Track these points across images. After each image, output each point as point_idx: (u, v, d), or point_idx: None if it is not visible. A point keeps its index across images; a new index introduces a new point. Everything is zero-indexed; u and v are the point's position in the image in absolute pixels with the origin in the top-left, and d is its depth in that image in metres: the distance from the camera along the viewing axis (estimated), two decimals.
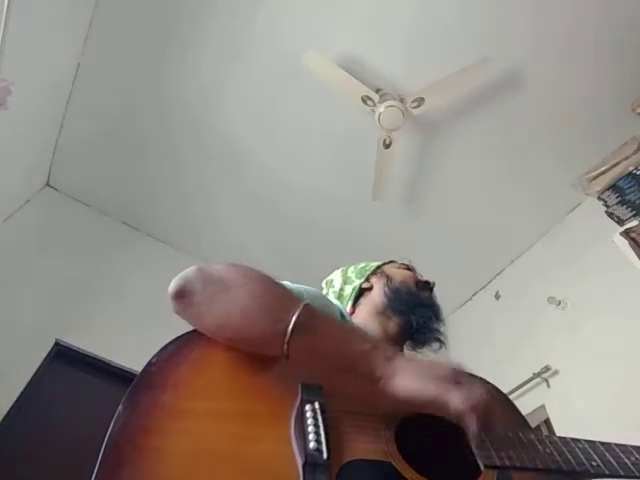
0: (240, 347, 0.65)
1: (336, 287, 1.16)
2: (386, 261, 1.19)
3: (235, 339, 0.66)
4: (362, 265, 1.18)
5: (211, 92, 2.65)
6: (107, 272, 2.90)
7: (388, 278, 1.09)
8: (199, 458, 0.52)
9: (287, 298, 0.68)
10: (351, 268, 1.19)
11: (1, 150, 2.32)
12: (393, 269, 1.14)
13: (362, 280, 1.12)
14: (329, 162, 2.92)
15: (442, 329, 1.02)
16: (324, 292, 1.20)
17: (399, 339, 1.01)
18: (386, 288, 1.06)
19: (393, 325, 1.01)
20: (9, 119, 2.10)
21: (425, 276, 1.15)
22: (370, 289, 1.10)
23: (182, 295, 0.67)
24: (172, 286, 0.68)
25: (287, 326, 0.62)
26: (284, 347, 0.61)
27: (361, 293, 1.11)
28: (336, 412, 0.60)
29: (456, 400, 0.56)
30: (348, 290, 1.13)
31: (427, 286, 1.09)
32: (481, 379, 0.79)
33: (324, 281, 1.24)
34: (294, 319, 0.62)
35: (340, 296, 1.13)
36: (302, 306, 0.64)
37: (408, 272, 1.13)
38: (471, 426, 0.56)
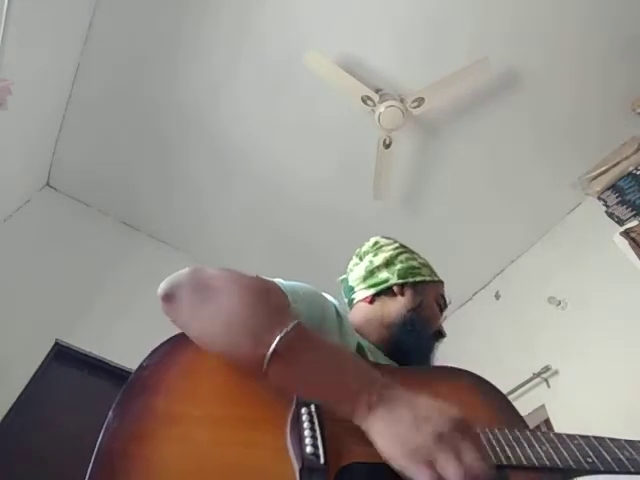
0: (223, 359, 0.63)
1: (376, 261, 1.05)
2: (436, 279, 1.07)
3: (216, 352, 0.63)
4: (414, 264, 1.05)
5: (211, 93, 2.64)
6: (107, 272, 2.90)
7: (420, 305, 0.99)
8: (193, 465, 0.51)
9: (275, 314, 0.63)
10: (402, 257, 1.06)
11: (1, 150, 2.32)
12: (431, 297, 1.03)
13: (399, 282, 1.01)
14: (329, 162, 2.92)
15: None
16: (366, 249, 1.10)
17: (386, 351, 0.94)
18: (409, 314, 0.97)
19: (387, 340, 0.95)
20: (9, 119, 2.10)
21: None
22: (399, 295, 1.00)
23: (169, 298, 0.65)
24: (161, 287, 0.66)
25: (267, 350, 0.57)
26: (262, 372, 0.57)
27: (389, 290, 1.01)
28: (332, 414, 0.59)
29: None
30: (382, 276, 1.02)
31: (440, 337, 1.02)
32: (479, 376, 0.78)
33: (374, 239, 1.12)
34: (274, 344, 0.57)
35: (372, 272, 1.04)
36: (289, 328, 0.59)
37: (438, 314, 1.04)
38: None
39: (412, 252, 1.10)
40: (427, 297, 1.02)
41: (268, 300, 0.66)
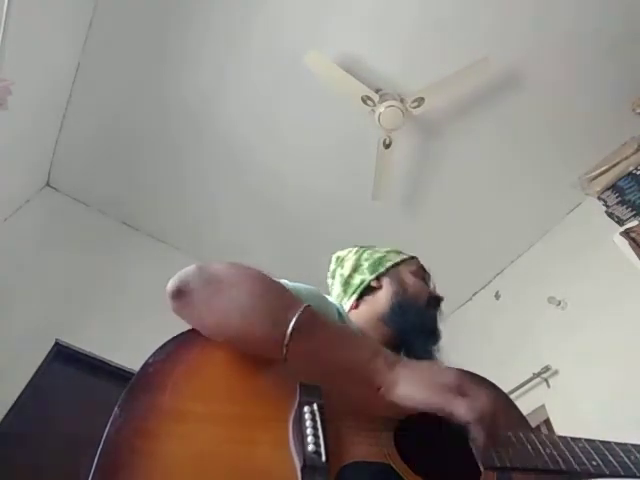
0: (239, 348, 0.65)
1: (345, 271, 1.08)
2: (405, 257, 1.09)
3: (234, 340, 0.65)
4: (379, 255, 1.08)
5: (211, 92, 2.64)
6: (107, 272, 2.90)
7: (400, 286, 1.01)
8: (197, 462, 0.51)
9: (287, 299, 0.67)
10: (365, 254, 1.09)
11: (1, 150, 2.31)
12: (409, 275, 1.04)
13: (373, 277, 1.04)
14: (329, 162, 2.92)
15: (436, 353, 0.97)
16: (333, 267, 1.14)
17: (393, 347, 0.93)
18: (394, 299, 0.99)
19: (390, 335, 0.96)
20: (9, 119, 2.10)
21: None
22: (378, 289, 1.03)
23: (180, 294, 0.66)
24: (170, 285, 0.67)
25: (286, 329, 0.61)
26: (282, 350, 0.60)
27: (368, 289, 1.04)
28: (335, 413, 0.59)
29: (462, 411, 0.55)
30: (356, 281, 1.05)
31: (437, 303, 1.03)
32: (482, 378, 0.78)
33: (335, 255, 1.16)
34: (293, 322, 0.61)
35: (347, 283, 1.06)
36: (302, 308, 0.63)
37: (421, 284, 1.04)
38: (478, 437, 0.55)
39: (372, 247, 1.13)
40: (404, 276, 1.04)
41: (276, 288, 0.69)
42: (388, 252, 1.10)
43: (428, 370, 0.62)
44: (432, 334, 0.98)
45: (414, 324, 0.95)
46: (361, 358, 0.62)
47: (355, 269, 1.07)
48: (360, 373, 0.61)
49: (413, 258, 1.11)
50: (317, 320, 0.65)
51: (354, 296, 1.04)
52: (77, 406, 2.32)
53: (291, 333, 0.60)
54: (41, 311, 2.51)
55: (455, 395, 0.57)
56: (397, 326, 0.96)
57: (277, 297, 0.67)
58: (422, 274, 1.07)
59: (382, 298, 1.01)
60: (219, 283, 0.66)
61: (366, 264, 1.07)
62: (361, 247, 1.13)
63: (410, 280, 1.04)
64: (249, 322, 0.63)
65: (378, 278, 1.04)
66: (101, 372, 2.50)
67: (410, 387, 0.59)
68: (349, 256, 1.11)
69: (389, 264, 1.06)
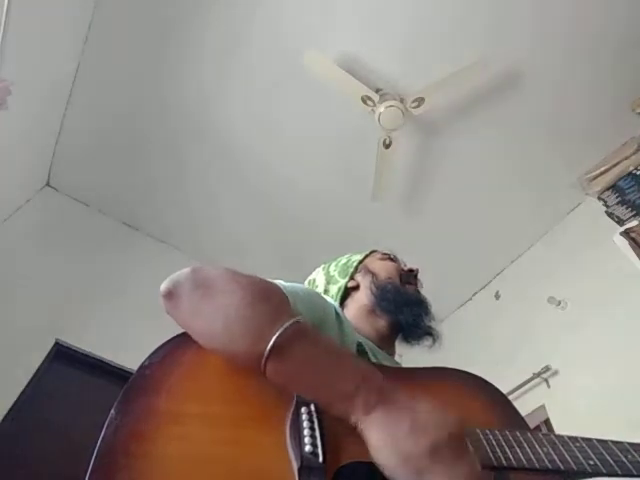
0: (223, 358, 0.64)
1: (320, 287, 1.11)
2: (367, 253, 1.15)
3: (217, 350, 0.64)
4: (344, 261, 1.13)
5: (211, 92, 2.64)
6: (107, 272, 2.90)
7: (373, 275, 1.05)
8: (193, 464, 0.51)
9: (274, 313, 0.63)
10: (332, 266, 1.15)
11: (1, 150, 2.31)
12: (376, 262, 1.10)
13: (347, 279, 1.08)
14: (329, 162, 2.92)
15: (432, 324, 0.98)
16: None
17: (391, 337, 0.99)
18: (372, 286, 1.02)
19: (383, 323, 0.98)
20: (9, 119, 2.10)
21: (426, 277, 1.12)
22: (356, 288, 1.06)
23: (170, 296, 0.65)
24: (162, 286, 0.66)
25: (265, 347, 0.57)
26: (261, 368, 0.58)
27: (347, 293, 1.07)
28: (329, 414, 0.59)
29: None
30: (333, 290, 1.08)
31: (412, 275, 1.06)
32: (480, 378, 0.78)
33: (306, 280, 1.19)
34: (273, 340, 0.57)
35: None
36: (287, 325, 0.59)
37: (391, 264, 1.09)
38: None
39: (333, 259, 1.18)
40: (372, 266, 1.09)
41: (267, 299, 0.66)
42: (351, 255, 1.16)
43: (406, 425, 0.54)
44: (418, 304, 1.00)
45: (398, 301, 0.98)
46: (341, 394, 0.58)
47: (329, 282, 1.11)
48: (337, 408, 0.58)
49: (374, 251, 1.16)
50: (302, 339, 0.61)
51: (337, 302, 1.05)
52: (77, 406, 2.32)
53: (269, 352, 0.57)
54: (41, 311, 2.50)
55: (423, 470, 0.50)
56: (386, 311, 0.98)
57: (267, 309, 0.63)
58: (387, 257, 1.12)
59: (362, 293, 1.04)
60: (209, 289, 0.65)
61: (336, 273, 1.11)
62: (324, 263, 1.19)
63: (378, 265, 1.09)
64: (231, 335, 0.61)
65: (352, 278, 1.09)
66: (101, 372, 2.50)
67: (379, 442, 0.54)
68: (319, 275, 1.16)
69: (356, 263, 1.11)
